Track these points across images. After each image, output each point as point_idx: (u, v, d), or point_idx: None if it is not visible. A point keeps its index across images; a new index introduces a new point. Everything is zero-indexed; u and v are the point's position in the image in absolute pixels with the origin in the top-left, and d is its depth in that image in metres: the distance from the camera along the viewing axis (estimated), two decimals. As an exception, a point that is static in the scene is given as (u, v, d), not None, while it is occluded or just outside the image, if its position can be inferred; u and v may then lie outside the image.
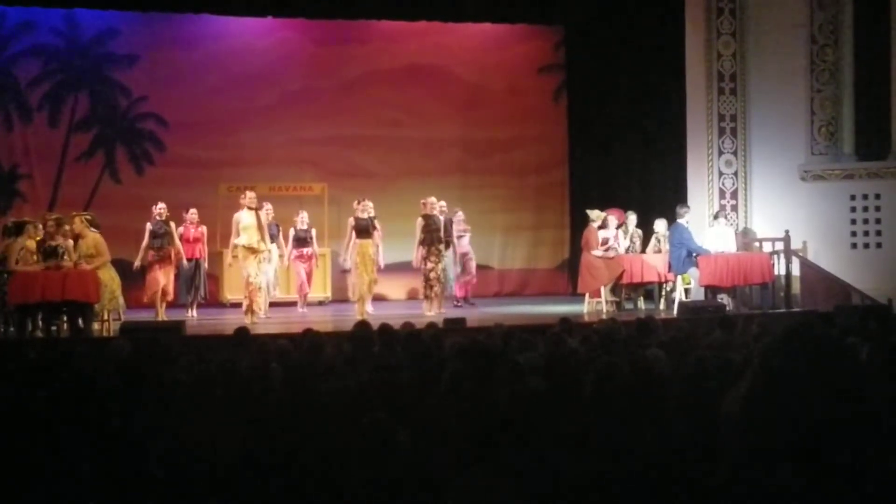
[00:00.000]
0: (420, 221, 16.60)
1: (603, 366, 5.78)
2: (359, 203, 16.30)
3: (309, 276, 18.02)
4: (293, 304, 18.13)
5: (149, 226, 15.99)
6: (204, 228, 17.15)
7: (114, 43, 19.90)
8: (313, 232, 17.96)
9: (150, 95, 20.00)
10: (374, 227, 16.42)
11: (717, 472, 2.47)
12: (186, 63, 20.06)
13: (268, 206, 16.87)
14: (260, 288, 15.55)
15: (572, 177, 21.94)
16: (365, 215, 16.21)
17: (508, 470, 4.05)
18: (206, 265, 17.21)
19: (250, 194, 15.79)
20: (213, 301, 18.29)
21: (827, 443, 2.34)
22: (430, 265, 16.43)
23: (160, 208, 16.11)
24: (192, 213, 17.04)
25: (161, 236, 15.94)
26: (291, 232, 17.75)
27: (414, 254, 16.77)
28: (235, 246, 15.52)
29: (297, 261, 17.84)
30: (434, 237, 16.52)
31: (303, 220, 17.83)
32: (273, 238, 16.74)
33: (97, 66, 19.90)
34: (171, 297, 16.21)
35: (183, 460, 4.58)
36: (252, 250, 15.40)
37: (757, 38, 17.83)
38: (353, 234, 16.18)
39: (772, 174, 17.67)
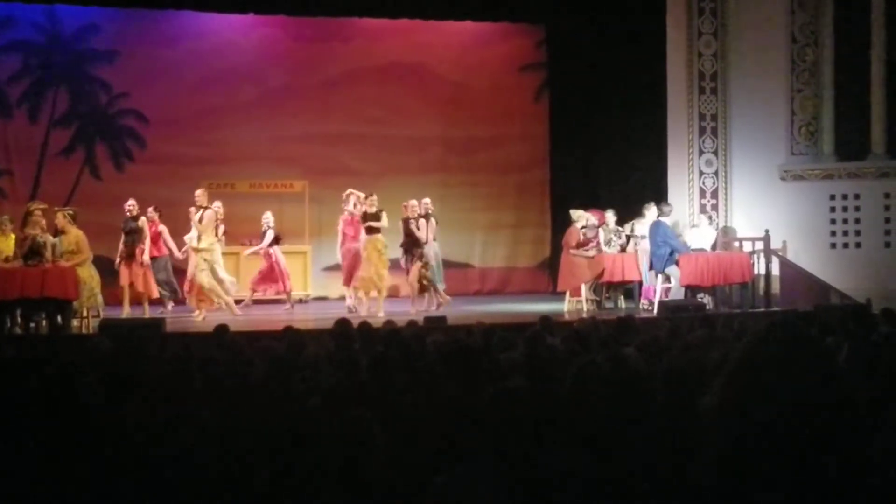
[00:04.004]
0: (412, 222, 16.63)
1: (583, 364, 5.79)
2: (366, 197, 16.25)
3: (270, 271, 17.83)
4: (276, 301, 18.16)
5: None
6: (163, 227, 17.00)
7: (94, 39, 19.82)
8: (269, 233, 17.72)
9: (130, 92, 19.93)
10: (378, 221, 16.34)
11: (696, 471, 2.48)
12: (167, 59, 19.98)
13: (216, 204, 16.74)
14: (203, 286, 15.61)
15: (553, 175, 21.96)
16: (374, 209, 16.15)
17: (489, 469, 4.06)
18: (176, 258, 17.14)
19: (198, 192, 15.91)
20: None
21: (804, 443, 2.35)
22: (419, 263, 16.41)
23: (129, 205, 16.13)
24: (150, 211, 16.91)
25: (129, 233, 15.93)
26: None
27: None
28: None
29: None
30: (413, 240, 16.58)
31: (266, 220, 17.76)
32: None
33: (77, 62, 19.82)
34: (143, 292, 16.13)
35: (164, 457, 4.57)
36: (194, 249, 15.66)
37: (738, 37, 17.89)
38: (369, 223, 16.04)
39: (752, 174, 17.74)
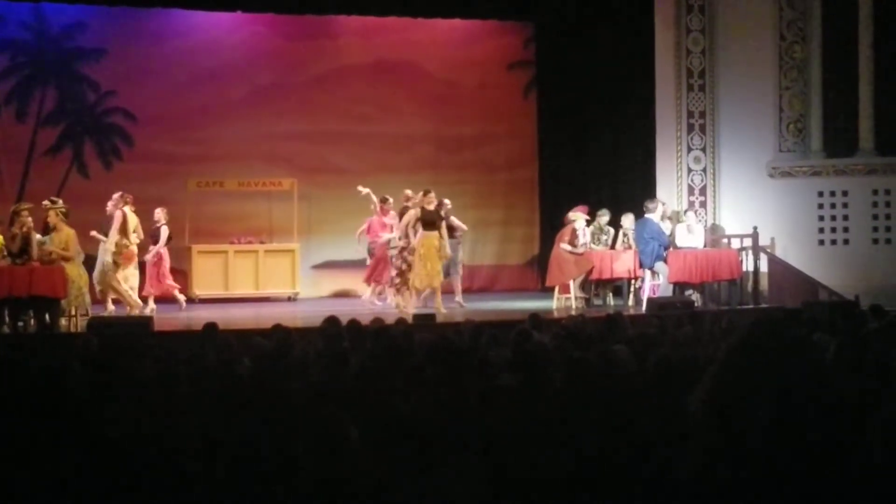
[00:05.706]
0: (416, 212, 16.38)
1: (572, 362, 5.80)
2: (425, 195, 16.11)
3: (155, 274, 16.96)
4: (262, 299, 18.13)
5: None
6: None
7: (82, 37, 19.72)
8: (162, 231, 16.96)
9: (118, 90, 19.82)
10: (442, 219, 16.25)
11: (684, 468, 2.48)
12: (155, 57, 19.88)
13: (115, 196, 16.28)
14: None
15: (542, 173, 21.93)
16: (432, 207, 16.05)
17: (477, 467, 4.05)
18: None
19: (116, 196, 15.89)
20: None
21: (792, 440, 2.35)
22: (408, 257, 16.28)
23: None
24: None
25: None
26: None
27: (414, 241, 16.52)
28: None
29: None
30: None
31: (157, 217, 17.12)
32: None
33: (65, 60, 19.72)
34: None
35: (151, 455, 4.56)
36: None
37: (726, 35, 17.91)
38: (420, 225, 15.96)
39: (740, 171, 17.76)
